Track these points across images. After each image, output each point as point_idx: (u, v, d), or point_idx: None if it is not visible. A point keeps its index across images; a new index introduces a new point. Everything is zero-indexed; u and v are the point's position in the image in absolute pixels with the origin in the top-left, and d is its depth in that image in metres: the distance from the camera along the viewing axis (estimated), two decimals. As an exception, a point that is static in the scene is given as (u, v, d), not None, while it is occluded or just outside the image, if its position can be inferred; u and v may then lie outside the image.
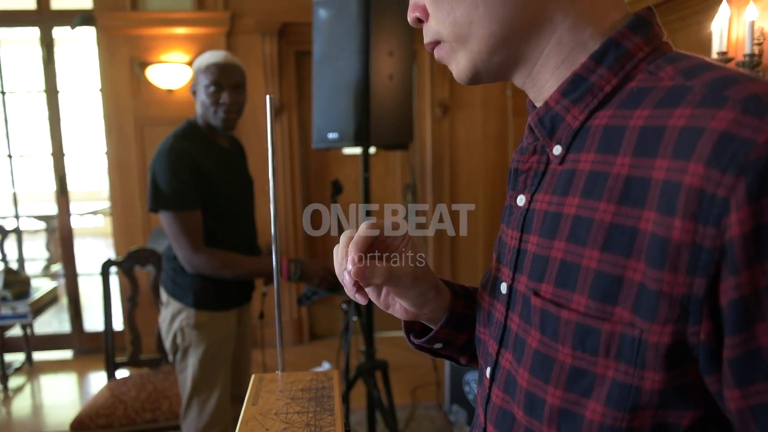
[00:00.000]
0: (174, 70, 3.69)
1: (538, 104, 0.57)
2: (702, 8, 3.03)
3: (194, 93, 1.93)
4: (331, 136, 2.05)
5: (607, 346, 0.45)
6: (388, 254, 0.62)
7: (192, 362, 1.92)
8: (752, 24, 2.12)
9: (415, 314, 0.66)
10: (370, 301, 2.00)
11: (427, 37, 0.58)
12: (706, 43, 2.76)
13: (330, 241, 4.19)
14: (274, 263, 0.73)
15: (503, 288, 0.58)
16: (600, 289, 0.45)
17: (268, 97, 0.70)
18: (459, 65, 0.56)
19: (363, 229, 0.58)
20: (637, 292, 0.43)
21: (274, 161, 0.75)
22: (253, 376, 0.75)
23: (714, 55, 2.29)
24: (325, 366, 3.67)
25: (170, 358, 1.98)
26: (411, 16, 0.59)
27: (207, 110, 1.89)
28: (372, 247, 0.60)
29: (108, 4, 3.68)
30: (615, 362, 0.45)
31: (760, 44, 2.16)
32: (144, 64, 3.69)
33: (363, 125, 1.95)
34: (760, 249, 0.37)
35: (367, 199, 2.14)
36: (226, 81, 1.87)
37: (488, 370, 0.60)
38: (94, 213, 7.17)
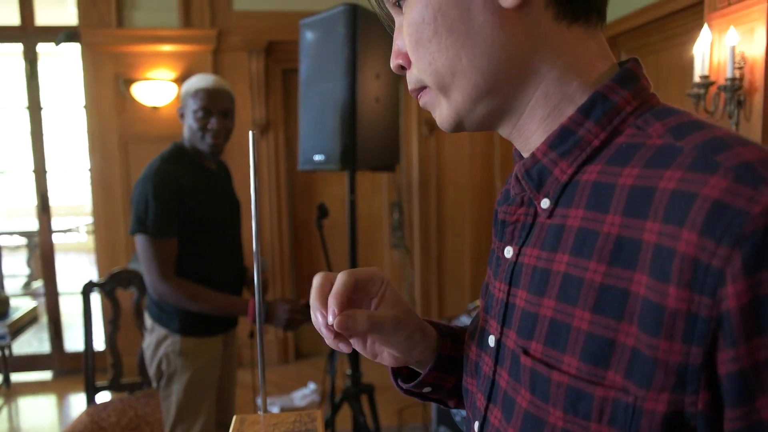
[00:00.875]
0: (159, 88, 3.67)
1: (525, 154, 0.56)
2: (684, 30, 3.08)
3: (182, 116, 1.92)
4: (318, 158, 2.04)
5: (600, 411, 0.44)
6: (368, 301, 0.60)
7: (177, 389, 1.88)
8: (733, 49, 2.16)
9: (404, 360, 0.65)
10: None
11: (411, 84, 0.57)
12: (688, 65, 2.81)
13: (316, 262, 4.17)
14: (257, 300, 0.71)
15: (491, 341, 0.57)
16: (591, 351, 0.45)
17: (251, 133, 0.69)
18: (442, 113, 0.55)
19: (341, 279, 0.57)
20: (630, 357, 0.42)
21: (258, 198, 0.73)
22: (234, 418, 0.73)
23: (696, 79, 2.32)
24: (311, 387, 3.62)
25: (154, 384, 1.95)
26: (394, 63, 0.58)
27: (194, 135, 1.88)
28: (351, 296, 0.59)
29: (93, 21, 3.65)
30: (608, 428, 0.44)
31: (741, 68, 2.19)
32: (129, 81, 3.67)
33: (349, 148, 1.94)
34: (758, 322, 0.37)
35: (353, 222, 2.13)
36: (214, 106, 1.86)
37: (476, 425, 0.59)
38: (76, 230, 7.07)
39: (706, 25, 2.31)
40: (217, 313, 1.86)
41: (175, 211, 1.80)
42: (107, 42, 3.65)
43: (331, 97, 1.98)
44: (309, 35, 2.09)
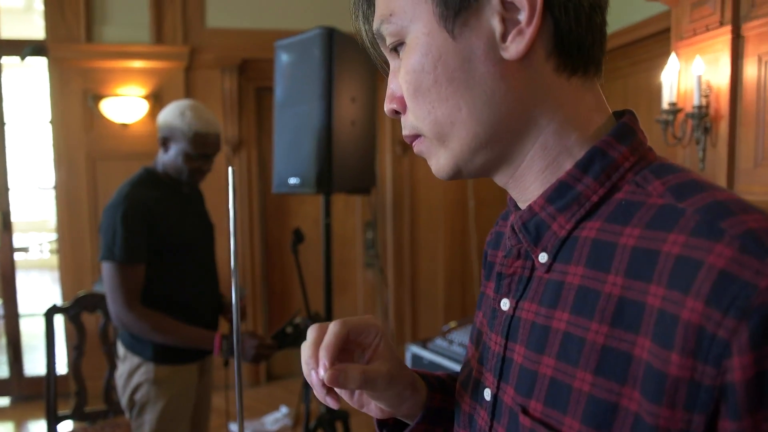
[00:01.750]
0: (129, 104, 3.60)
1: (521, 204, 0.55)
2: (651, 56, 3.17)
3: (164, 143, 1.86)
4: (293, 181, 2.01)
5: None
6: (360, 352, 0.59)
7: (149, 419, 1.82)
8: (699, 78, 2.22)
9: (391, 413, 0.63)
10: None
11: (406, 130, 0.55)
12: (655, 91, 2.88)
13: (288, 284, 4.12)
14: (234, 333, 0.69)
15: (487, 394, 0.56)
16: (594, 414, 0.44)
17: (230, 168, 0.67)
18: (439, 163, 0.54)
19: (333, 330, 0.55)
20: (633, 423, 0.42)
21: (236, 236, 0.71)
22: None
23: (665, 105, 2.38)
24: (283, 410, 3.55)
25: (126, 415, 1.88)
26: (388, 107, 0.56)
27: (180, 172, 1.86)
28: (344, 346, 0.57)
29: (61, 35, 3.58)
30: None
31: (707, 96, 2.25)
32: (98, 97, 3.59)
33: (325, 171, 1.93)
34: (763, 395, 0.37)
35: (328, 246, 2.11)
36: (210, 152, 1.86)
37: None
38: (39, 248, 6.86)
39: (673, 54, 2.37)
40: (182, 345, 1.81)
41: (144, 238, 1.75)
42: (75, 57, 3.58)
43: (306, 120, 1.97)
44: (284, 57, 2.07)
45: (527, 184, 0.53)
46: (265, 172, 4.00)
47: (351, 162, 2.03)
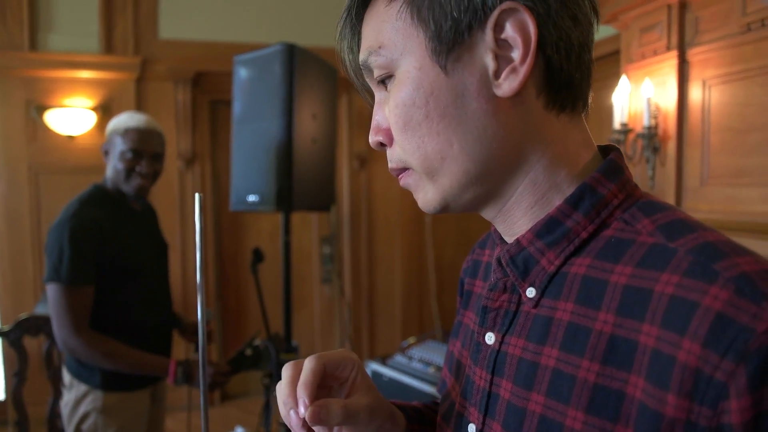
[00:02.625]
0: (76, 116, 3.46)
1: (507, 239, 0.55)
2: (602, 76, 3.27)
3: (106, 153, 1.80)
4: (251, 198, 1.97)
5: None
6: (338, 386, 0.57)
7: None
8: (648, 100, 2.31)
9: None
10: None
11: (392, 164, 0.54)
12: (606, 110, 2.98)
13: (244, 301, 4.03)
14: (201, 362, 0.65)
15: (471, 429, 0.55)
16: None
17: (197, 195, 0.65)
18: (427, 197, 0.54)
19: (309, 366, 0.53)
20: None
21: (203, 262, 0.68)
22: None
23: (616, 126, 2.47)
24: (239, 431, 3.45)
25: None
26: (373, 139, 0.55)
27: (119, 175, 1.77)
28: (321, 382, 0.55)
29: (2, 43, 3.41)
30: None
31: (655, 117, 2.35)
32: (42, 108, 3.44)
33: (285, 189, 1.89)
34: None
35: (287, 264, 2.07)
36: (145, 149, 1.77)
37: None
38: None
39: (624, 76, 2.46)
40: (135, 372, 1.73)
41: (93, 258, 1.67)
42: (18, 65, 3.41)
43: (266, 136, 1.93)
44: (243, 72, 2.03)
45: (515, 219, 0.53)
46: (219, 186, 3.91)
47: (311, 179, 2.00)
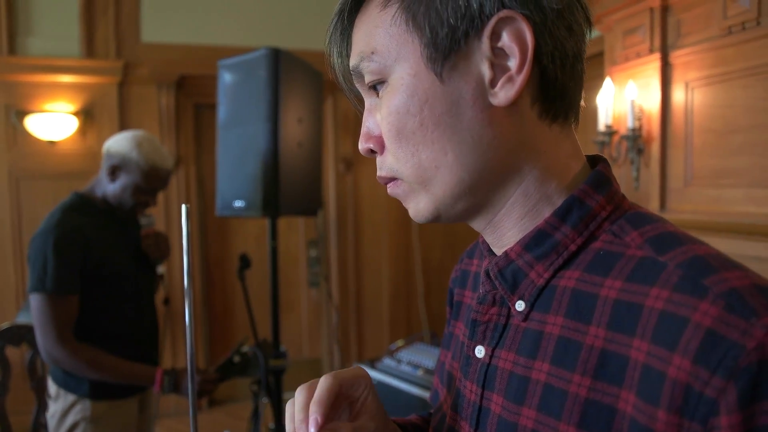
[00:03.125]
0: (58, 121, 3.41)
1: (496, 250, 0.55)
2: (586, 77, 3.30)
3: (113, 171, 1.75)
4: (238, 204, 1.95)
5: None
6: (348, 405, 0.56)
7: None
8: (632, 102, 2.33)
9: None
10: (278, 378, 1.83)
11: (382, 172, 0.54)
12: (590, 111, 3.00)
13: (231, 306, 4.00)
14: (189, 374, 0.64)
15: None
16: None
17: (184, 206, 0.64)
18: (418, 207, 0.53)
19: (324, 385, 0.52)
20: None
21: (190, 276, 0.67)
22: None
23: (601, 127, 2.49)
24: (226, 438, 3.43)
25: None
26: (363, 146, 0.54)
27: (121, 200, 1.77)
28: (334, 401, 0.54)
29: (-20, 47, 3.35)
30: None
31: (639, 119, 2.37)
32: (22, 113, 3.38)
33: (271, 194, 1.88)
34: None
35: (275, 269, 2.06)
36: (159, 186, 1.81)
37: None
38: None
39: (608, 78, 2.48)
40: (121, 382, 1.71)
41: (78, 267, 1.64)
42: (-3, 70, 3.36)
43: (251, 141, 1.92)
44: (228, 77, 2.02)
45: (504, 230, 0.53)
46: (204, 190, 3.88)
47: (298, 184, 1.99)
